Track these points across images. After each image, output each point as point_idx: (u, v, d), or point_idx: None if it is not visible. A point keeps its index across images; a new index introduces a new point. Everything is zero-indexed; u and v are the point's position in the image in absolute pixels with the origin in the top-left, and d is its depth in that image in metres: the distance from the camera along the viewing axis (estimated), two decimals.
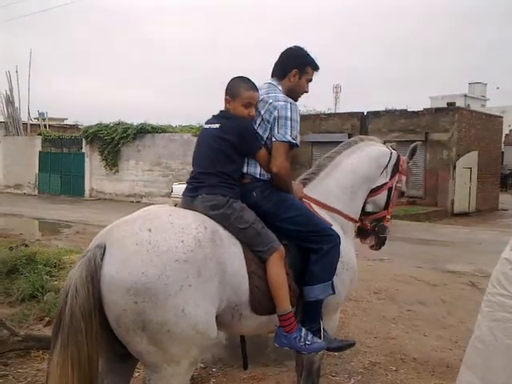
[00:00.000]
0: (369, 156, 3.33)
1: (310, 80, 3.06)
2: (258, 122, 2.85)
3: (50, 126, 27.58)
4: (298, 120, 2.86)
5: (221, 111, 2.91)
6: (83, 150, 23.56)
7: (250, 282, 2.60)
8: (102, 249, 2.30)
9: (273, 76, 3.03)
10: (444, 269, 8.80)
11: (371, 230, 3.44)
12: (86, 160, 23.46)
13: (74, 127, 29.16)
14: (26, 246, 8.35)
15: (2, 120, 26.30)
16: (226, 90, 2.86)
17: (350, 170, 3.26)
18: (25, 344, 4.54)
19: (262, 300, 2.64)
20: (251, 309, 2.63)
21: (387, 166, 3.36)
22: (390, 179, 3.37)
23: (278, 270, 2.65)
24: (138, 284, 2.21)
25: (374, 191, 3.35)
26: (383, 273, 8.04)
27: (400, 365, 4.49)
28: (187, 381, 2.50)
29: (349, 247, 3.13)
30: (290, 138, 2.79)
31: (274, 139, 2.80)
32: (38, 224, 14.41)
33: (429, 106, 24.18)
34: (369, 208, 3.39)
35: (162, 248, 2.29)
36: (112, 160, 22.53)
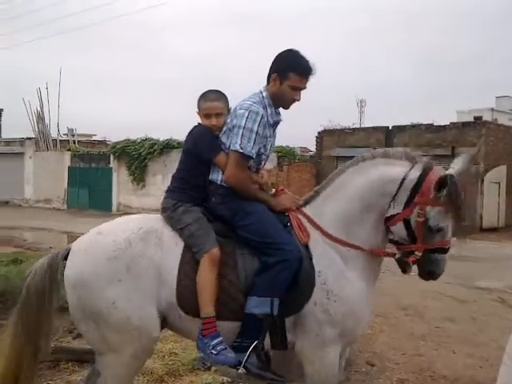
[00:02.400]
0: (368, 181, 2.79)
1: (296, 87, 2.85)
2: (224, 130, 2.88)
3: (78, 141, 28.10)
4: (256, 129, 2.76)
5: None
6: (111, 165, 23.95)
7: (179, 281, 2.68)
8: (67, 251, 2.78)
9: None
10: (473, 285, 8.65)
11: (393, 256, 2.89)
12: (114, 175, 23.83)
13: (102, 143, 29.65)
14: None
15: (33, 136, 26.92)
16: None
17: (347, 198, 2.82)
18: (54, 356, 4.60)
19: (191, 301, 2.66)
20: (181, 309, 2.71)
21: (397, 193, 2.73)
22: (403, 209, 2.72)
23: (204, 272, 2.65)
24: (77, 280, 2.65)
25: (388, 220, 2.79)
26: (411, 288, 7.91)
27: (429, 382, 4.42)
28: (131, 373, 2.80)
29: (346, 277, 2.76)
30: (237, 147, 2.75)
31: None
32: (66, 238, 14.62)
33: (455, 120, 23.92)
34: (391, 236, 2.83)
35: (98, 249, 2.69)
36: (139, 175, 22.85)
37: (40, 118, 26.74)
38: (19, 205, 26.30)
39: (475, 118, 21.46)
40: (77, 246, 2.78)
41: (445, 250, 2.75)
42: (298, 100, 2.92)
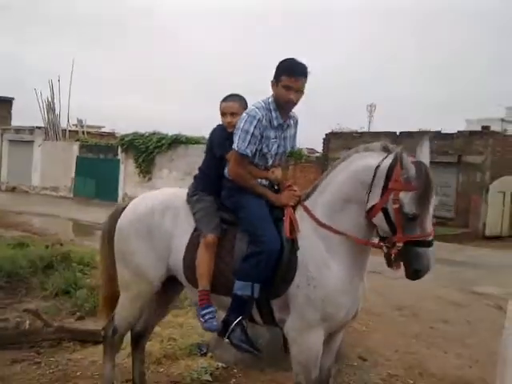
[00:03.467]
0: (349, 173, 2.96)
1: (288, 87, 3.05)
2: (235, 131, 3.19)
3: (87, 132, 28.26)
4: (251, 131, 3.07)
5: None
6: (118, 157, 24.08)
7: (186, 255, 3.22)
8: (125, 206, 3.63)
9: None
10: (471, 290, 8.71)
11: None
12: (121, 167, 23.95)
13: (111, 135, 29.76)
14: (61, 244, 8.66)
15: (43, 125, 27.10)
16: None
17: (332, 191, 3.02)
18: (57, 335, 4.77)
19: (193, 275, 3.18)
20: (185, 279, 3.27)
21: (372, 182, 2.82)
22: (380, 198, 2.78)
23: (200, 253, 3.14)
24: (118, 229, 3.52)
25: (369, 212, 2.86)
26: (408, 290, 8.00)
27: (418, 379, 4.54)
28: (134, 308, 3.51)
29: (328, 265, 2.93)
30: (235, 146, 3.11)
31: None
32: (72, 225, 14.80)
33: (464, 129, 23.89)
34: (379, 231, 2.91)
35: (135, 210, 3.49)
36: (146, 168, 22.95)
37: (50, 108, 26.91)
38: (26, 191, 26.51)
39: (483, 127, 21.35)
40: (129, 205, 3.60)
41: (427, 243, 2.79)
42: (292, 99, 3.10)
